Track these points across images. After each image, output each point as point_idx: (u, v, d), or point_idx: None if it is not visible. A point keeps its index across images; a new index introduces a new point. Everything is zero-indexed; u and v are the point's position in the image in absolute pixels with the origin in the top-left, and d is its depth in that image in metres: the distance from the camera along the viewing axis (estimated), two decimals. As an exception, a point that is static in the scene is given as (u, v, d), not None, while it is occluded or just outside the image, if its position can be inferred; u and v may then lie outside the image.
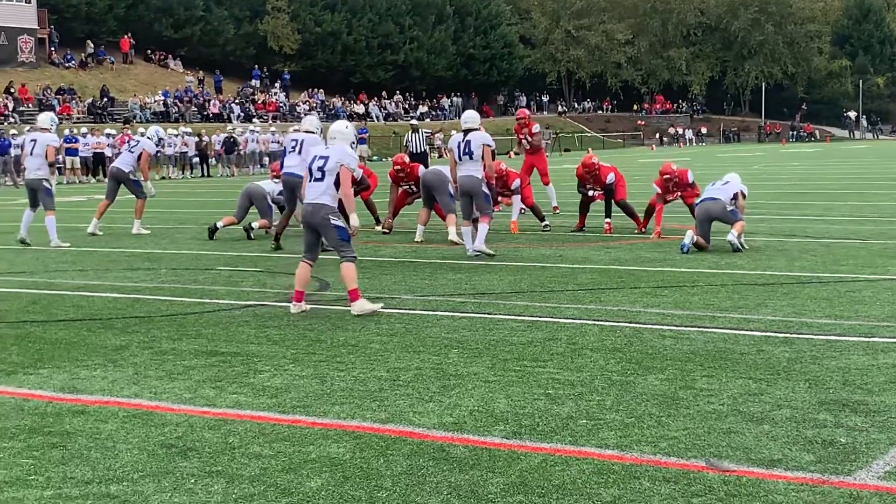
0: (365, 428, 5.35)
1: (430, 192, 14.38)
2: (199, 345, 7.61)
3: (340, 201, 9.10)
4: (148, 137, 17.29)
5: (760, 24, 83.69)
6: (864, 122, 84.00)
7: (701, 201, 12.87)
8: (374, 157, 50.19)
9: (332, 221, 8.78)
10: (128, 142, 17.11)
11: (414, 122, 29.46)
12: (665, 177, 13.92)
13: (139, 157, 16.61)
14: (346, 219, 9.00)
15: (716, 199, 12.63)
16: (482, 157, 12.56)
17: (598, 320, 8.24)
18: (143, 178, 16.69)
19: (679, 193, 14.18)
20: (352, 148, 9.18)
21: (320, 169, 8.92)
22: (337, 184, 8.90)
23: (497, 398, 5.89)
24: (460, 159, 12.73)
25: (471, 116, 13.17)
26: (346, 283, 8.77)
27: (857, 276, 10.31)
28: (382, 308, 8.80)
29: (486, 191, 12.74)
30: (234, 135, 42.09)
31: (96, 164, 38.44)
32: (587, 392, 5.98)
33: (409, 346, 7.38)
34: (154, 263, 12.76)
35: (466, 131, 12.77)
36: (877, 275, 10.41)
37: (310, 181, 8.96)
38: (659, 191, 14.04)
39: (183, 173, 41.31)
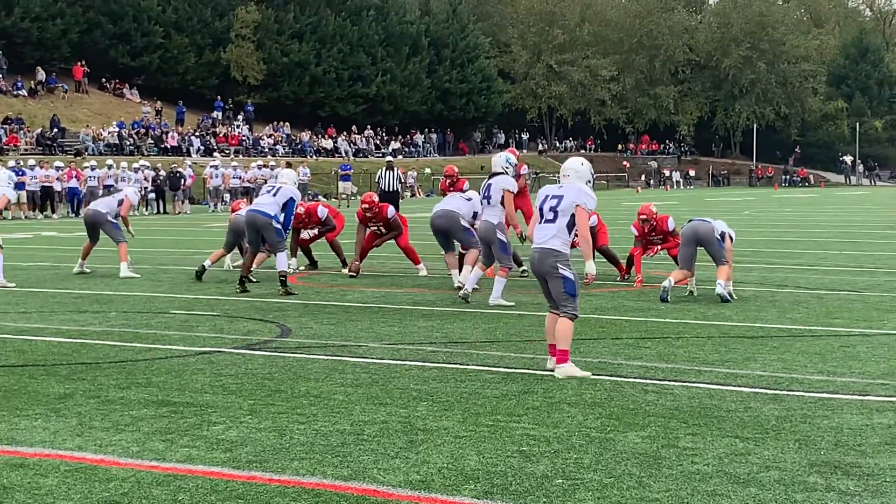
0: (325, 485, 5.33)
1: (446, 236, 14.23)
2: (149, 394, 7.56)
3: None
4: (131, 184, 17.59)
5: (752, 62, 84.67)
6: (860, 167, 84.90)
7: (689, 222, 13.00)
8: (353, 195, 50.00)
9: (561, 271, 8.30)
10: (106, 186, 17.57)
11: (389, 158, 29.90)
12: (642, 217, 14.05)
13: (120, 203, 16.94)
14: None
15: (705, 220, 12.83)
16: (500, 203, 12.75)
17: (576, 373, 8.22)
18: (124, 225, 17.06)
19: (659, 248, 14.31)
20: (588, 185, 8.68)
21: (553, 209, 8.48)
22: (570, 226, 8.46)
23: (468, 455, 5.88)
24: (482, 204, 13.12)
25: (497, 160, 13.40)
26: (558, 342, 8.28)
27: (852, 331, 10.39)
28: (591, 376, 8.15)
29: (503, 238, 12.83)
30: (179, 169, 41.93)
31: (44, 199, 38.28)
32: (564, 449, 5.98)
33: (374, 398, 7.36)
34: (103, 306, 12.70)
35: (492, 174, 13.07)
36: (872, 329, 10.49)
37: (539, 222, 8.57)
38: (636, 233, 14.20)
39: (137, 209, 41.15)
